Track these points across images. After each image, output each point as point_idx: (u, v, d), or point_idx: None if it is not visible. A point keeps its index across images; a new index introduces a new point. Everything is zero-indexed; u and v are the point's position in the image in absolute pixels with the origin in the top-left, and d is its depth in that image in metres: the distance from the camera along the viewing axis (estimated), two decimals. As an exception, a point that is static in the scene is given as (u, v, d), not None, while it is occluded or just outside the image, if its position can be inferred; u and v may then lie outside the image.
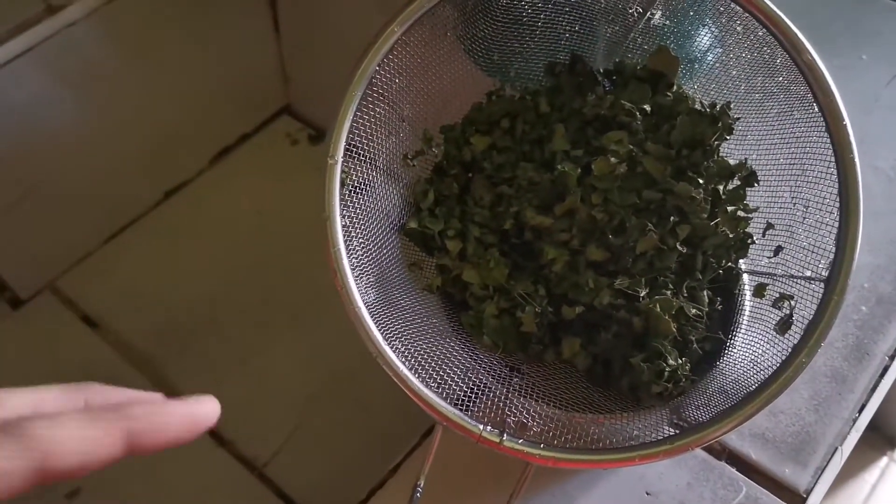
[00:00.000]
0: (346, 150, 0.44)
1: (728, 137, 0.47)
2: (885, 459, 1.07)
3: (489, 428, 0.41)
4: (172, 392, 0.81)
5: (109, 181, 0.87)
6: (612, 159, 0.46)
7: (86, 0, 0.78)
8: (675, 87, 0.48)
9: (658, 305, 0.45)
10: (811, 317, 0.41)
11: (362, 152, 0.45)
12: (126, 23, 0.81)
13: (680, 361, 0.44)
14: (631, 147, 0.47)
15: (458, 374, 0.44)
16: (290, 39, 0.94)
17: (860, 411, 0.49)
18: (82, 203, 0.85)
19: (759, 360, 0.43)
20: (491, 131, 0.52)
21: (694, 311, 0.46)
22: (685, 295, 0.47)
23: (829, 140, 0.42)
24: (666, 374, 0.43)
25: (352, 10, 0.84)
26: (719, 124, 0.46)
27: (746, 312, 0.47)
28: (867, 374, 0.51)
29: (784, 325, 0.43)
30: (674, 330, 0.44)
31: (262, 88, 0.97)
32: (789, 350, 0.41)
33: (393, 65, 0.45)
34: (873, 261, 0.56)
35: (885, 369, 0.51)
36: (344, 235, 0.43)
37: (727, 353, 0.46)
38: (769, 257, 0.46)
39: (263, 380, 0.78)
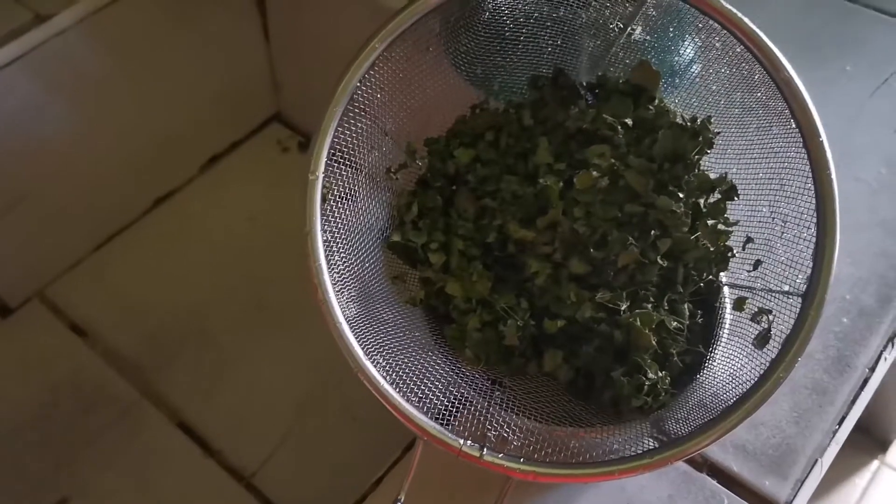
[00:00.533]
0: (328, 164, 0.44)
1: (709, 151, 0.47)
2: (875, 463, 1.07)
3: (469, 442, 0.41)
4: (161, 401, 0.81)
5: (99, 189, 0.87)
6: (594, 173, 0.47)
7: (75, 9, 0.78)
8: (657, 101, 0.49)
9: (638, 319, 0.45)
10: (789, 331, 0.42)
11: (344, 167, 0.45)
12: (116, 31, 0.82)
13: (660, 375, 0.45)
14: (613, 161, 0.47)
15: (440, 388, 0.44)
16: (280, 47, 0.94)
17: (840, 423, 0.50)
18: (72, 211, 0.85)
19: (737, 374, 0.43)
20: (475, 144, 0.52)
21: (675, 324, 0.47)
22: (666, 308, 0.47)
23: (806, 156, 0.43)
24: (646, 387, 0.43)
25: (341, 17, 0.84)
26: (700, 138, 0.47)
27: (727, 326, 0.47)
28: (848, 386, 0.51)
29: (762, 340, 0.43)
30: (654, 344, 0.45)
31: (253, 96, 0.97)
32: (767, 364, 0.42)
33: (374, 80, 0.45)
34: (855, 272, 0.56)
35: (866, 381, 0.51)
36: (325, 250, 0.44)
37: (707, 367, 0.46)
38: (749, 271, 0.47)
39: (252, 389, 0.78)
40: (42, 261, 0.85)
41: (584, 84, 0.51)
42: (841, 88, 0.66)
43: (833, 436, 0.49)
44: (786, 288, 0.43)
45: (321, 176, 0.43)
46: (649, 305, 0.46)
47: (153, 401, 0.78)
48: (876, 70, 0.67)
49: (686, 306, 0.47)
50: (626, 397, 0.43)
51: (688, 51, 0.48)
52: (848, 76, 0.67)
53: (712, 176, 0.47)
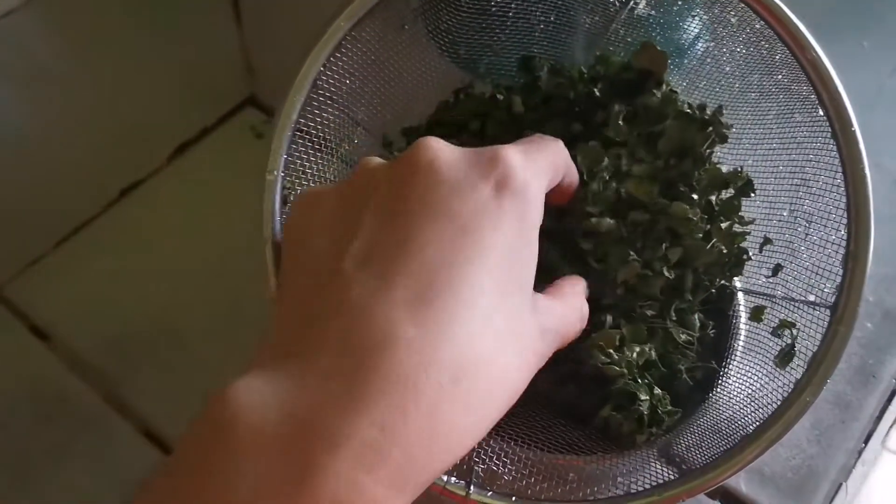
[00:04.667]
0: (289, 161, 0.38)
1: (720, 144, 0.42)
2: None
3: (454, 479, 0.36)
4: (128, 410, 0.75)
5: (59, 181, 0.81)
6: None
7: (24, -13, 0.72)
8: (665, 87, 0.43)
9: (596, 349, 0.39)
10: (815, 348, 0.37)
11: (309, 163, 0.40)
12: (72, 11, 0.75)
13: (656, 393, 0.39)
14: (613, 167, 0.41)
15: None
16: (253, 27, 0.88)
17: (866, 441, 0.45)
18: (30, 204, 0.80)
19: (757, 396, 0.38)
20: (459, 134, 0.47)
21: (684, 336, 0.42)
22: (673, 318, 0.42)
23: (835, 147, 0.37)
24: (645, 417, 0.38)
25: (317, -6, 0.78)
26: (710, 129, 0.41)
27: (742, 337, 0.42)
28: (873, 400, 0.46)
29: (785, 358, 0.38)
30: (623, 371, 0.39)
31: (224, 79, 0.91)
32: (791, 386, 0.37)
33: (342, 64, 0.39)
34: (878, 271, 0.51)
35: (893, 393, 0.47)
36: (288, 260, 0.38)
37: (720, 385, 0.41)
38: (767, 276, 0.42)
39: (224, 396, 0.73)
40: (-1, 258, 0.79)
41: (585, 73, 0.46)
42: (858, 66, 0.61)
43: (858, 456, 0.45)
44: (811, 298, 0.38)
45: (280, 175, 0.37)
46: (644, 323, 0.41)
47: (119, 409, 0.72)
48: (895, 47, 0.62)
49: (696, 316, 0.42)
50: (627, 435, 0.38)
51: (697, 27, 0.43)
52: (865, 53, 0.62)
53: (725, 169, 0.42)
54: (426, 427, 0.23)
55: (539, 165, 0.31)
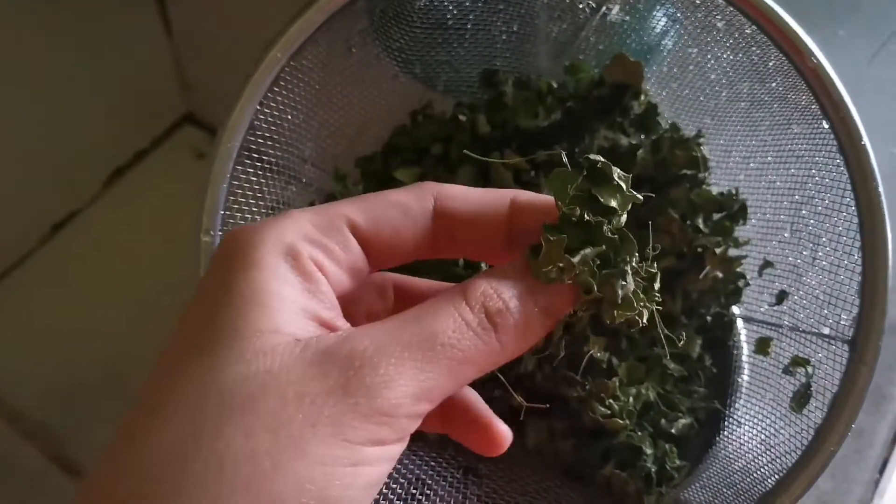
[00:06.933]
0: (228, 216, 0.33)
1: (706, 174, 0.38)
2: None
3: (443, 567, 0.32)
4: (74, 468, 0.69)
5: (-16, 220, 0.74)
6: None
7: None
8: (643, 97, 0.39)
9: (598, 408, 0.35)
10: (836, 389, 0.33)
11: (251, 214, 0.35)
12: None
13: (661, 445, 0.35)
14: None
15: (399, 490, 0.35)
16: (186, 39, 0.82)
17: (881, 471, 0.42)
18: (-47, 249, 0.73)
19: (772, 443, 0.34)
20: (420, 160, 0.42)
21: (676, 365, 0.37)
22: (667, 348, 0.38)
23: (842, 162, 0.34)
24: (653, 473, 0.34)
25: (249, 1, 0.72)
26: (694, 153, 0.37)
27: (746, 372, 0.38)
28: (886, 423, 0.43)
29: (801, 400, 0.34)
30: (625, 424, 0.35)
31: (158, 96, 0.85)
32: (811, 432, 0.33)
33: (282, 98, 0.34)
34: (877, 279, 0.48)
35: (905, 414, 0.43)
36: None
37: (728, 429, 0.37)
38: (771, 304, 0.38)
39: (180, 446, 0.67)
40: (-79, 311, 0.72)
41: (554, 88, 0.41)
42: (835, 57, 0.57)
43: (876, 487, 0.41)
44: (825, 330, 0.34)
45: (218, 234, 0.32)
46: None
47: (66, 468, 0.66)
48: (872, 33, 0.58)
49: (697, 343, 0.38)
50: (634, 495, 0.34)
51: (678, 32, 0.38)
52: (842, 42, 0.58)
53: (715, 190, 0.38)
54: None
55: None
